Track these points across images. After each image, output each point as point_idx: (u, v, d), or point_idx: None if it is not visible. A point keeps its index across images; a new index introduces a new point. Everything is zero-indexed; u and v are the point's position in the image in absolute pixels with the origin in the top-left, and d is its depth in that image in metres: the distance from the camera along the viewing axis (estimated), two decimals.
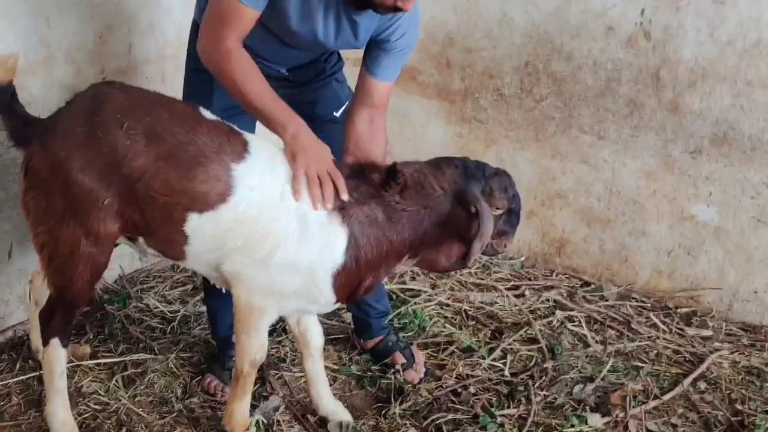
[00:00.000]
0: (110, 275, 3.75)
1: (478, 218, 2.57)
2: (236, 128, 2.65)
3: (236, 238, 2.55)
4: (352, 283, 2.66)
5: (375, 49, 2.87)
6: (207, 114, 2.63)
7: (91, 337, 3.41)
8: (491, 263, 4.34)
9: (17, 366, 3.18)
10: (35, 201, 2.61)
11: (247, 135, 2.65)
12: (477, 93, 4.34)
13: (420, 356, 3.41)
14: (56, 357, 2.77)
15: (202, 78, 2.84)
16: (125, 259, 3.81)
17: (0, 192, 3.16)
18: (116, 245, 2.77)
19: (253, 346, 2.72)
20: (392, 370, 3.33)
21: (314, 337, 2.99)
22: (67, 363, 3.12)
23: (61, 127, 2.58)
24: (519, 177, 4.16)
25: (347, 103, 3.07)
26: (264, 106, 2.63)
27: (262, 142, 2.67)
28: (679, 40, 3.80)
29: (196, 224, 2.55)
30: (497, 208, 2.66)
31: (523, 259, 4.41)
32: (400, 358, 3.36)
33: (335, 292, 2.63)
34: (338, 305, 2.83)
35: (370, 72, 2.89)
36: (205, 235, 2.56)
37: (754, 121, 3.74)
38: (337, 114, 3.09)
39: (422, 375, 3.32)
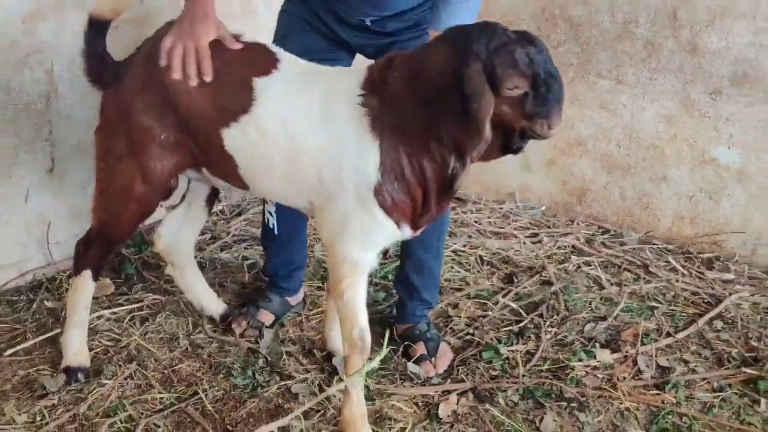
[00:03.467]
0: None
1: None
2: (273, 47, 2.65)
3: (272, 156, 2.52)
4: (404, 204, 2.44)
5: None
6: (247, 40, 2.64)
7: (108, 282, 3.48)
8: (511, 212, 4.32)
9: (34, 306, 3.27)
10: (101, 140, 2.72)
11: (282, 54, 2.63)
12: None
13: (448, 355, 3.12)
14: (84, 288, 2.85)
15: (283, 18, 2.99)
16: None
17: (14, 137, 3.23)
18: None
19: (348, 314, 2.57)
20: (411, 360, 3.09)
21: None
22: None
23: (129, 74, 2.65)
24: None
25: None
26: None
27: (297, 61, 2.63)
28: None
29: (232, 141, 2.55)
30: (508, 89, 2.21)
31: (543, 208, 4.39)
32: (420, 348, 3.10)
33: (388, 214, 2.42)
34: (407, 235, 2.54)
35: (434, 26, 2.66)
36: (243, 152, 2.56)
37: None
38: None
39: (440, 371, 3.04)
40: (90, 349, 2.99)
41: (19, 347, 3.03)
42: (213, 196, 3.14)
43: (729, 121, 3.81)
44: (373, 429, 2.65)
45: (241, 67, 2.57)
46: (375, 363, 2.62)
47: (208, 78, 2.52)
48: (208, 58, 2.53)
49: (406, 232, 2.52)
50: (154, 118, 2.61)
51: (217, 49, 2.59)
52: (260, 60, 2.59)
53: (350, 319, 2.56)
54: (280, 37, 2.95)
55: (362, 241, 2.49)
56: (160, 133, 2.63)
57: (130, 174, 2.67)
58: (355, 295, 2.54)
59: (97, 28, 2.67)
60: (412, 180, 2.40)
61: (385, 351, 2.59)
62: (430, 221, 2.57)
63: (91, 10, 2.65)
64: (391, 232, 2.49)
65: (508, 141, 2.34)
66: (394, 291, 3.34)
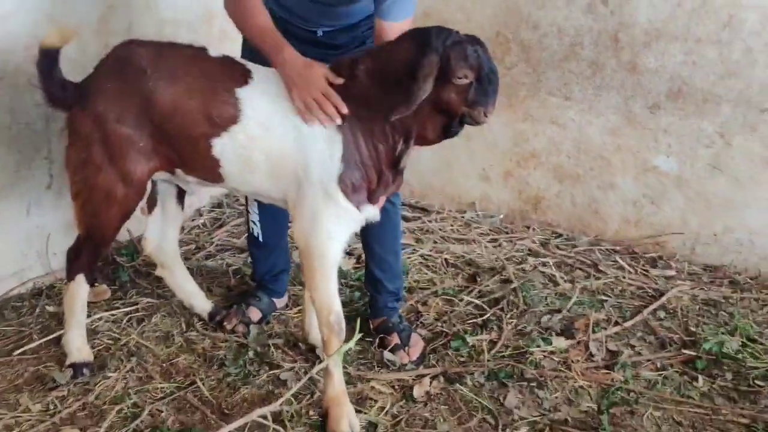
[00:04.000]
0: (123, 236, 4.10)
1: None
2: (240, 60, 2.98)
3: (257, 157, 2.84)
4: (362, 187, 2.83)
5: None
6: (213, 53, 2.95)
7: (105, 287, 3.75)
8: (472, 220, 4.68)
9: (36, 311, 3.53)
10: (76, 154, 2.97)
11: (249, 64, 2.94)
12: None
13: (419, 344, 3.44)
14: (79, 291, 3.12)
15: (245, 41, 3.25)
16: (133, 222, 4.15)
17: (17, 155, 3.50)
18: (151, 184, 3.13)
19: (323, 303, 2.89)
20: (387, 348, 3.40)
21: None
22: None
23: (96, 88, 2.92)
24: (495, 140, 4.57)
25: None
26: (260, 38, 2.90)
27: (266, 70, 2.93)
28: (634, 3, 4.15)
29: (220, 148, 2.86)
30: (458, 78, 2.65)
31: (502, 216, 4.74)
32: (394, 339, 3.41)
33: (349, 199, 2.80)
34: (371, 213, 2.91)
35: (377, 14, 3.01)
36: (230, 155, 2.86)
37: (705, 75, 4.07)
38: None
39: (413, 358, 3.34)
40: (92, 347, 3.25)
41: (26, 347, 3.28)
42: (182, 193, 3.41)
43: (667, 133, 4.21)
44: (355, 408, 2.95)
45: (222, 81, 2.87)
46: (351, 343, 2.91)
47: (344, 110, 2.76)
48: (335, 95, 2.76)
49: (369, 211, 2.90)
50: (133, 127, 2.89)
51: (194, 65, 2.89)
52: (236, 71, 2.90)
53: (326, 306, 2.89)
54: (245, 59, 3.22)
55: (330, 234, 2.84)
56: (139, 140, 2.91)
57: (111, 179, 2.94)
58: (328, 284, 2.89)
59: (49, 57, 2.93)
60: (368, 163, 2.81)
61: (358, 334, 2.89)
62: (387, 195, 2.98)
63: (41, 41, 2.92)
64: (353, 217, 2.86)
65: (449, 125, 2.77)
66: (366, 290, 3.66)
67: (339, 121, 2.77)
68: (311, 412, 2.97)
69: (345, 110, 2.76)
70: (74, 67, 3.17)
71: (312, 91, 2.76)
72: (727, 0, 3.94)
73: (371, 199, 2.89)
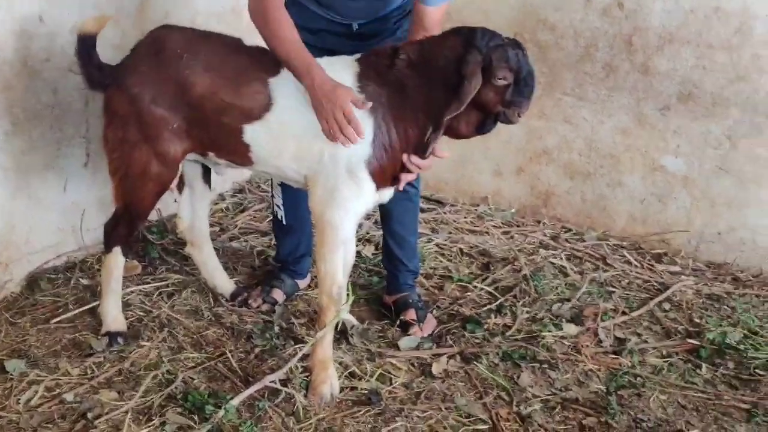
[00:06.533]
0: (152, 215, 4.26)
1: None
2: None
3: (288, 142, 3.00)
4: (388, 169, 3.00)
5: None
6: (248, 42, 3.11)
7: (136, 263, 3.91)
8: (485, 213, 4.85)
9: (71, 283, 3.70)
10: (113, 133, 3.14)
11: None
12: None
13: (432, 322, 3.64)
14: (116, 262, 3.29)
15: None
16: (162, 203, 4.31)
17: (58, 133, 3.66)
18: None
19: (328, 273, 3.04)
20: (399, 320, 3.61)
21: (347, 258, 3.30)
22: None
23: (132, 69, 3.09)
24: (510, 137, 4.73)
25: None
26: (287, 55, 2.96)
27: None
28: (648, 9, 4.31)
29: (251, 134, 3.02)
30: (499, 79, 2.81)
31: (513, 210, 4.91)
32: (412, 314, 3.61)
33: (373, 179, 2.96)
34: (386, 195, 3.12)
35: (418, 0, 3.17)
36: (262, 141, 3.02)
37: (715, 79, 4.23)
38: None
39: (425, 334, 3.54)
40: (126, 318, 3.41)
41: (62, 316, 3.45)
42: (208, 173, 3.56)
43: (676, 134, 4.38)
44: (378, 383, 3.14)
45: (255, 71, 3.03)
46: (344, 313, 3.07)
47: (362, 135, 2.89)
48: (356, 119, 2.87)
49: (385, 193, 3.09)
50: (166, 109, 3.05)
51: (230, 54, 3.05)
52: (269, 61, 3.04)
53: (331, 276, 3.04)
54: None
55: (346, 210, 3.00)
56: (173, 122, 3.06)
57: (146, 157, 3.10)
58: (335, 256, 3.04)
59: (87, 42, 3.11)
60: (396, 146, 2.97)
61: (351, 299, 3.07)
62: (411, 178, 3.13)
63: (78, 29, 3.12)
64: (370, 198, 3.02)
65: (484, 122, 2.96)
66: (383, 266, 3.84)
67: (358, 142, 2.89)
68: None
69: (363, 134, 2.89)
70: (114, 53, 3.36)
71: (336, 113, 2.86)
72: (739, 8, 4.10)
73: (395, 181, 3.05)
